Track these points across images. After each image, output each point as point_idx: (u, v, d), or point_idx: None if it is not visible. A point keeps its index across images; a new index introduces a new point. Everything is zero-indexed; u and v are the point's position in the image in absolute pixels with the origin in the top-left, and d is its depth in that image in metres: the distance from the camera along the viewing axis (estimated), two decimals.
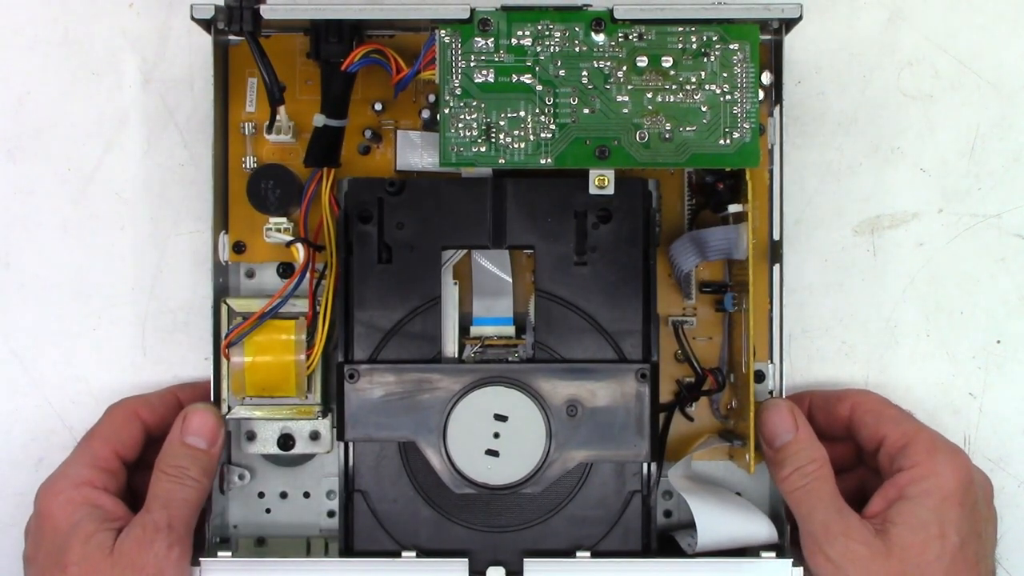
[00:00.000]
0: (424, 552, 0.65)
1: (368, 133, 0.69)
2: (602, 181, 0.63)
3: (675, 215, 0.69)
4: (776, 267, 0.66)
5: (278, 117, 0.66)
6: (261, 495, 0.71)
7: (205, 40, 0.68)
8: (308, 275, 0.67)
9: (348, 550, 0.66)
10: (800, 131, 0.71)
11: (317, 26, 0.66)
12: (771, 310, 0.66)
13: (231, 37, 0.69)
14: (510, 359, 0.67)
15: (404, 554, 0.65)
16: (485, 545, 0.66)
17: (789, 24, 0.65)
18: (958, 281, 0.70)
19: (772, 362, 0.67)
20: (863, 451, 0.67)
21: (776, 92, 0.66)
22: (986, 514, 0.64)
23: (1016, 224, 0.70)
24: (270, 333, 0.66)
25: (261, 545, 0.71)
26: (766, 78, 0.64)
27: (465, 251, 0.67)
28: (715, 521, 0.66)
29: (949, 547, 0.61)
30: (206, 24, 0.66)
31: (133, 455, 0.67)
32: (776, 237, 0.66)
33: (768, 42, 0.66)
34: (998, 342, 0.70)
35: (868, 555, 0.61)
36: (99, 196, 0.73)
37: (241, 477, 0.70)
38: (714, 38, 0.62)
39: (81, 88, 0.73)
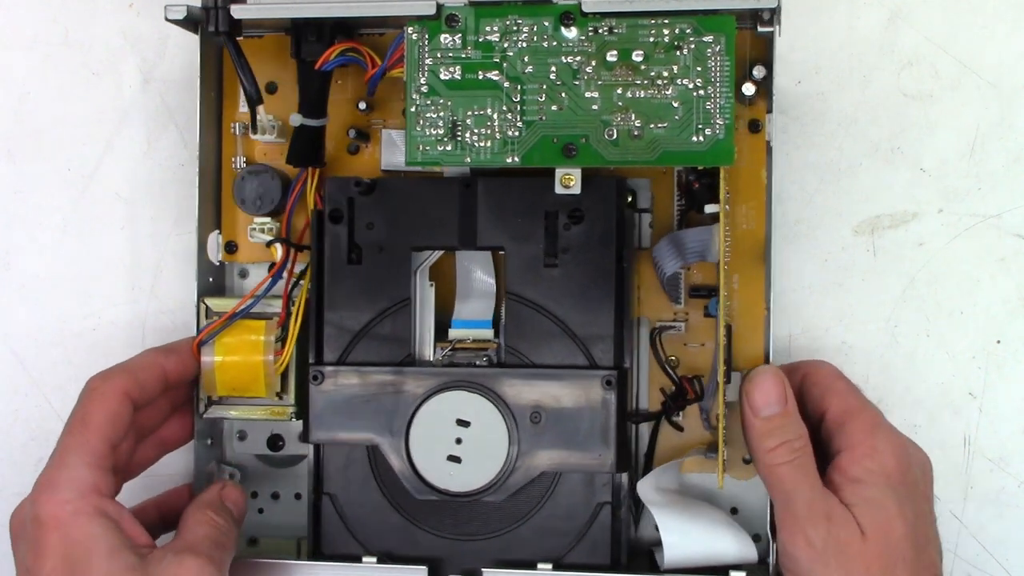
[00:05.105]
0: (392, 558, 0.65)
1: (352, 132, 0.69)
2: (568, 180, 0.62)
3: (667, 216, 0.68)
4: (768, 270, 0.65)
5: (259, 117, 0.66)
6: (255, 495, 0.71)
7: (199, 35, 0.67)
8: (286, 275, 0.66)
9: (317, 553, 0.65)
10: (800, 131, 0.71)
11: (297, 25, 0.65)
12: (767, 315, 0.65)
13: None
14: (477, 363, 0.65)
15: (365, 559, 0.64)
16: (453, 553, 0.65)
17: (773, 15, 0.62)
18: (958, 281, 0.70)
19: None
20: (809, 424, 0.64)
21: (767, 86, 0.64)
22: (925, 492, 0.62)
23: (1016, 224, 0.70)
24: (240, 333, 0.66)
25: (253, 545, 0.70)
26: (758, 72, 0.63)
27: (441, 252, 0.66)
28: (685, 537, 0.64)
29: (908, 524, 0.59)
30: (192, 25, 0.66)
31: (124, 438, 0.63)
32: (769, 237, 0.65)
33: (764, 34, 0.64)
34: (998, 342, 0.70)
35: (848, 540, 0.59)
36: (99, 196, 0.73)
37: (232, 476, 0.70)
38: (687, 30, 0.60)
39: (81, 88, 0.73)
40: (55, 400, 0.72)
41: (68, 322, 0.72)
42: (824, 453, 0.62)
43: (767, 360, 0.65)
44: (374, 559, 0.64)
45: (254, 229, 0.68)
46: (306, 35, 0.65)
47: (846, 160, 0.70)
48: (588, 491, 0.64)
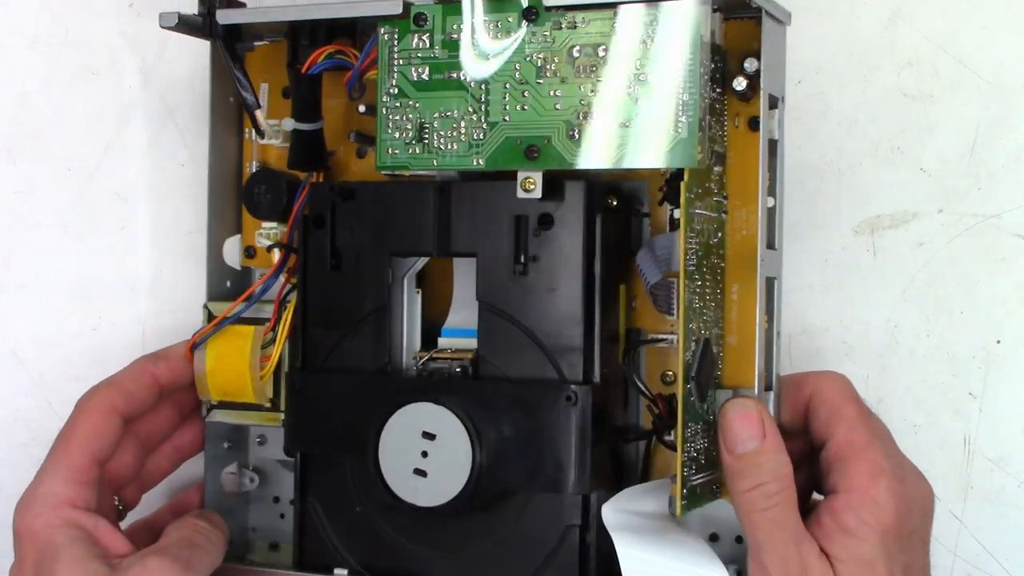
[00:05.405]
0: (369, 570, 0.63)
1: (352, 136, 0.68)
2: (529, 184, 0.59)
3: (663, 222, 0.65)
4: (766, 280, 0.61)
5: (259, 122, 0.66)
6: (276, 500, 0.71)
7: (206, 41, 0.67)
8: (283, 280, 0.66)
9: (301, 562, 0.64)
10: (800, 131, 0.71)
11: (292, 31, 0.65)
12: (768, 328, 0.61)
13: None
14: (451, 373, 0.63)
15: (336, 571, 0.63)
16: (427, 568, 0.63)
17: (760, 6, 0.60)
18: (958, 281, 0.70)
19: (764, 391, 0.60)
20: (812, 445, 0.60)
21: (756, 82, 0.61)
22: (923, 536, 0.58)
23: (1016, 224, 0.70)
24: (229, 338, 0.65)
25: (275, 550, 0.70)
26: (750, 65, 0.60)
27: (427, 258, 0.64)
28: (646, 566, 0.58)
29: None
30: (200, 32, 0.65)
31: (112, 451, 0.64)
32: (765, 241, 0.61)
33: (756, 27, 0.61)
34: (998, 342, 0.70)
35: None
36: (99, 196, 0.73)
37: (252, 480, 0.70)
38: (652, 22, 0.57)
39: (81, 88, 0.73)
40: (55, 400, 0.72)
41: (68, 322, 0.72)
42: (821, 481, 0.59)
43: (767, 380, 0.61)
44: (345, 572, 0.63)
45: (260, 234, 0.68)
46: (300, 39, 0.64)
47: (846, 160, 0.70)
48: (557, 512, 0.61)
